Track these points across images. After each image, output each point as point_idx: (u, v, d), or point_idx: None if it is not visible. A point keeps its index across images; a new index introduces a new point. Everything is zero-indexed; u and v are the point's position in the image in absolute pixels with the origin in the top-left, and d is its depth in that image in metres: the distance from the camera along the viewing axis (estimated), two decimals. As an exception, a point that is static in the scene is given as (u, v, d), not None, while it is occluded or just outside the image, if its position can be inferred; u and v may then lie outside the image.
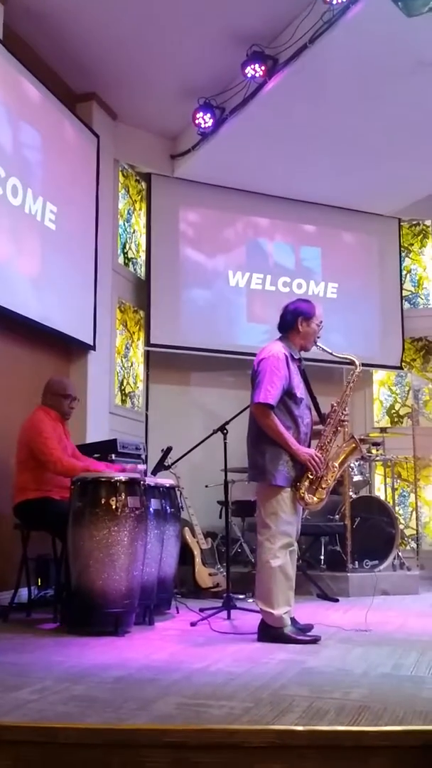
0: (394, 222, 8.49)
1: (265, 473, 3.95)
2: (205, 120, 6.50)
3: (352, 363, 4.35)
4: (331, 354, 4.22)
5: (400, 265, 8.50)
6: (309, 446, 4.07)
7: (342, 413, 4.16)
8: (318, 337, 4.22)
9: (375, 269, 8.38)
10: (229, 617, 4.64)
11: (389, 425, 8.04)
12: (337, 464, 4.08)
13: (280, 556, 3.89)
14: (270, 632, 3.88)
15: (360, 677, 3.03)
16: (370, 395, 8.47)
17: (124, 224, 7.31)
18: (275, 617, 3.87)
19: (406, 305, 8.47)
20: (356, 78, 5.75)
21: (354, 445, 4.18)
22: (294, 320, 4.15)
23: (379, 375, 8.49)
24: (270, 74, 5.80)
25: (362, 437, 7.14)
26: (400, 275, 8.48)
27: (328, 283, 8.15)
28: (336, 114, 6.26)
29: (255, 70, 5.79)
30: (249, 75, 5.85)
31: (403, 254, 8.56)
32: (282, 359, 4.01)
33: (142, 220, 7.59)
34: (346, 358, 4.35)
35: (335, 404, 4.17)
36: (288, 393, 4.00)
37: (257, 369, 4.05)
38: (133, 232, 7.49)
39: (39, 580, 5.24)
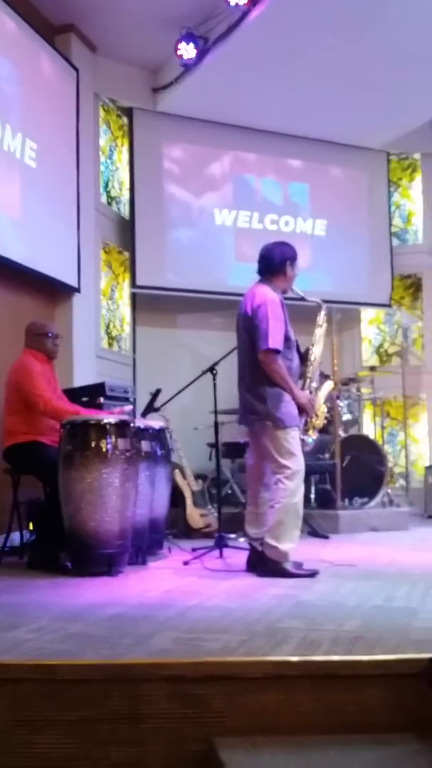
0: (383, 156, 8.32)
1: (270, 417, 4.00)
2: (188, 51, 6.29)
3: (318, 306, 4.48)
4: (302, 297, 4.36)
5: (389, 200, 8.38)
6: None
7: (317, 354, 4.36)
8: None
9: (364, 205, 8.24)
10: (221, 556, 4.69)
11: (378, 364, 8.03)
12: (321, 403, 4.30)
13: (297, 494, 4.00)
14: (270, 566, 3.95)
15: (353, 609, 3.07)
16: (359, 334, 8.43)
17: (106, 161, 7.13)
18: (280, 552, 3.94)
19: (395, 241, 8.37)
20: (344, 4, 5.55)
21: (332, 385, 4.53)
22: (282, 264, 4.22)
23: (368, 313, 8.43)
24: (255, 1, 5.60)
25: (351, 377, 7.18)
26: (389, 211, 8.36)
27: (316, 219, 8.03)
28: (323, 43, 6.06)
29: (239, -3, 5.58)
30: (232, 3, 5.64)
31: (391, 189, 8.43)
32: (278, 303, 4.09)
33: (125, 156, 7.40)
34: (313, 301, 4.46)
35: (311, 347, 4.33)
36: (285, 337, 4.07)
37: (254, 315, 4.05)
38: (116, 169, 7.31)
39: (30, 524, 5.24)
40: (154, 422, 5.13)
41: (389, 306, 8.22)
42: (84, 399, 5.23)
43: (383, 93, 6.89)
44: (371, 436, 7.16)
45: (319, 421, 4.22)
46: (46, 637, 2.59)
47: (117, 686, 2.14)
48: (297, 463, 4.01)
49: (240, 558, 4.35)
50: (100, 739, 2.10)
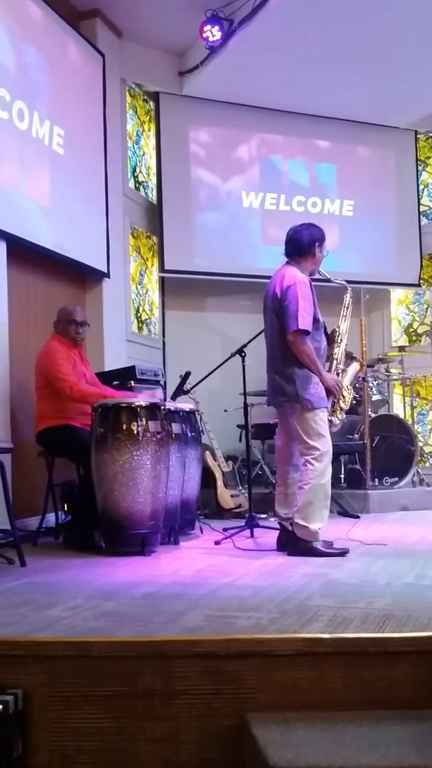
0: (411, 135, 8.23)
1: (300, 399, 4.03)
2: (213, 33, 6.25)
3: (345, 288, 4.50)
4: (328, 279, 4.40)
5: (417, 179, 8.29)
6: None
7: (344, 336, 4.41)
8: None
9: (392, 184, 8.17)
10: (252, 536, 4.73)
11: (407, 344, 7.98)
12: (348, 385, 4.32)
13: (326, 474, 4.03)
14: (300, 546, 3.99)
15: (383, 587, 3.09)
16: (388, 314, 8.37)
17: (133, 146, 7.14)
18: (310, 531, 3.98)
19: (424, 221, 8.28)
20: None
21: (359, 366, 4.48)
22: (311, 246, 4.22)
23: (396, 293, 8.37)
24: (279, -19, 5.56)
25: (381, 357, 7.15)
26: (417, 190, 8.27)
27: (344, 200, 7.97)
28: (349, 22, 5.98)
29: (263, -23, 5.55)
30: (257, -18, 5.60)
31: (420, 168, 8.33)
32: (308, 284, 4.10)
33: (152, 141, 7.40)
34: (339, 283, 4.48)
35: (337, 328, 4.36)
36: (313, 318, 4.08)
37: (284, 296, 4.06)
38: (143, 154, 7.32)
39: (65, 505, 5.33)
40: (185, 404, 5.17)
41: (418, 285, 8.16)
42: (115, 383, 5.28)
43: (410, 71, 6.80)
44: (401, 416, 7.14)
45: (346, 403, 4.24)
46: (82, 615, 2.65)
47: (150, 663, 2.18)
48: (325, 444, 4.04)
49: (270, 537, 4.39)
50: (135, 714, 2.15)
